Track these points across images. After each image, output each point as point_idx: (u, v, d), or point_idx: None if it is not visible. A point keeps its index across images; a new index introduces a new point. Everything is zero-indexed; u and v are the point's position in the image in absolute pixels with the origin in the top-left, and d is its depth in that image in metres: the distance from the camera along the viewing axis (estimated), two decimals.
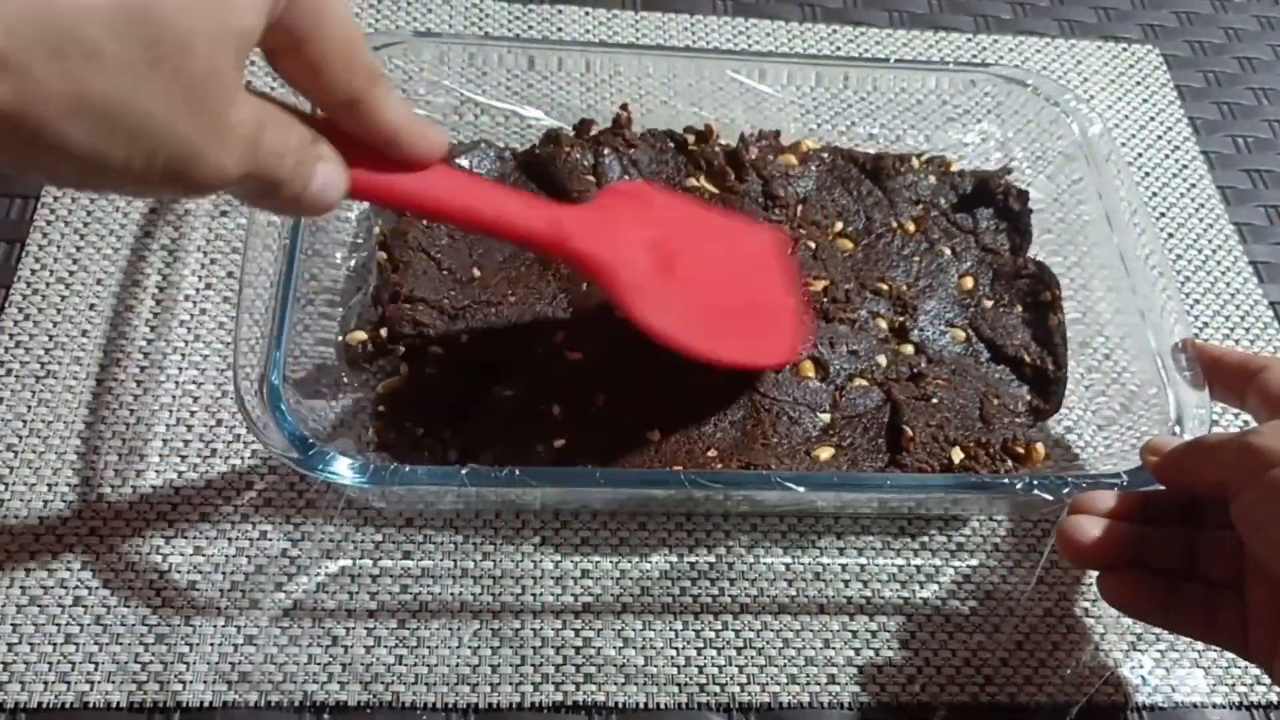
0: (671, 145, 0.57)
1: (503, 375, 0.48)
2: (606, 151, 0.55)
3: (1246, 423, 0.52)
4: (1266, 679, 0.47)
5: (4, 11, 0.23)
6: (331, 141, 0.33)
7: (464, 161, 0.54)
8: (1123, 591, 0.42)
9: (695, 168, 0.56)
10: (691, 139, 0.57)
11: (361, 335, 0.48)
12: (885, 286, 0.53)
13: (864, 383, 0.50)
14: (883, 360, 0.51)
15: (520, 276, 0.51)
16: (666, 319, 0.43)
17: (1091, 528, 0.42)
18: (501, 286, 0.51)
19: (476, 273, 0.51)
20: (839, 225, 0.56)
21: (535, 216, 0.40)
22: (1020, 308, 0.54)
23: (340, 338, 0.48)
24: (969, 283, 0.55)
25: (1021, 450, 0.49)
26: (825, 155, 0.58)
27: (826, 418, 0.49)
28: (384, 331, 0.48)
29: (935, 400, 0.49)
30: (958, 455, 0.48)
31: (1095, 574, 0.44)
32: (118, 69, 0.25)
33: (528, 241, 0.42)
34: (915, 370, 0.51)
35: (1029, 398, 0.52)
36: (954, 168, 0.59)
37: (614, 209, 0.45)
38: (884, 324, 0.52)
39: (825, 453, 0.47)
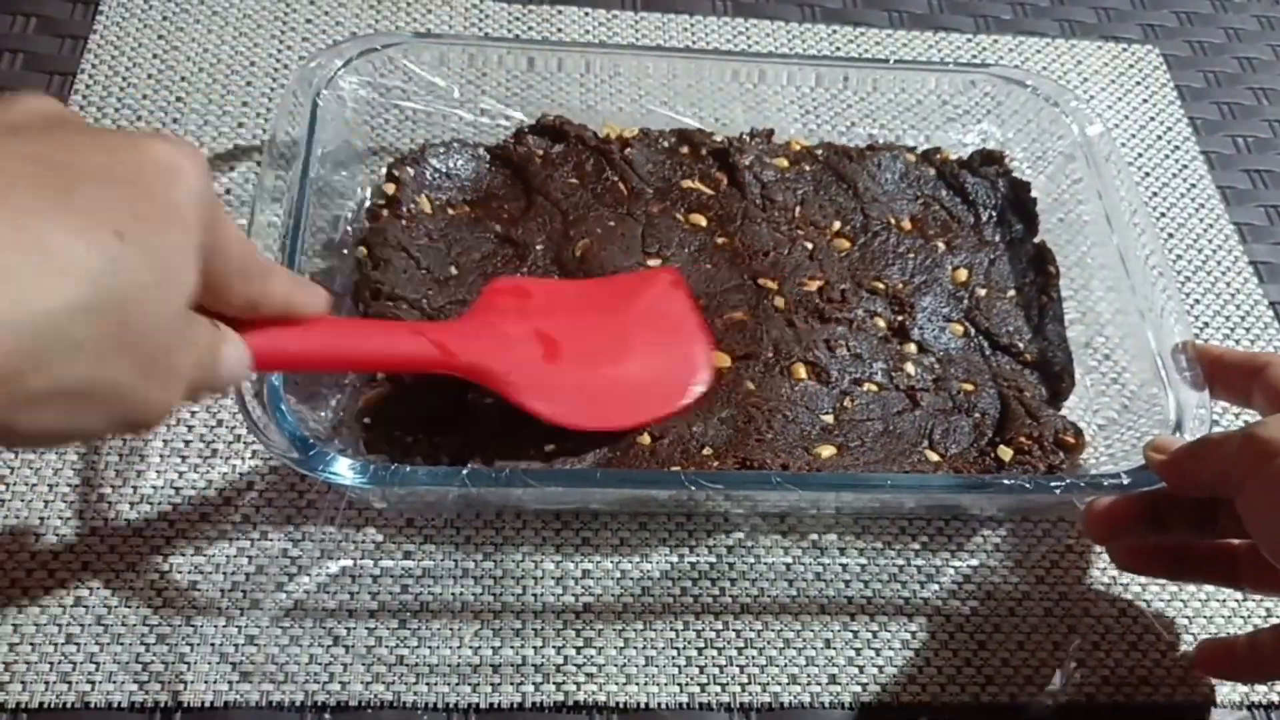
0: (666, 145, 0.57)
1: None
2: (589, 155, 0.55)
3: (1249, 422, 0.52)
4: None
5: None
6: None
7: (435, 161, 0.54)
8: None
9: (691, 169, 0.56)
10: (685, 147, 0.57)
11: None
12: (882, 285, 0.53)
13: (874, 387, 0.50)
14: (887, 363, 0.51)
15: (497, 273, 0.51)
16: (561, 404, 0.44)
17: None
18: (478, 285, 0.50)
19: (454, 271, 0.51)
20: (836, 224, 0.56)
21: (422, 345, 0.42)
22: (1013, 291, 0.54)
23: None
24: (963, 275, 0.55)
25: (1071, 440, 0.49)
26: (819, 152, 0.58)
27: (830, 419, 0.49)
28: None
29: (967, 405, 0.50)
30: (1006, 454, 0.48)
31: (1103, 564, 0.45)
32: (93, 356, 0.26)
33: (420, 369, 0.43)
34: (936, 376, 0.51)
35: (1039, 385, 0.52)
36: (951, 157, 0.59)
37: (492, 310, 0.46)
38: (882, 323, 0.52)
39: (826, 450, 0.47)
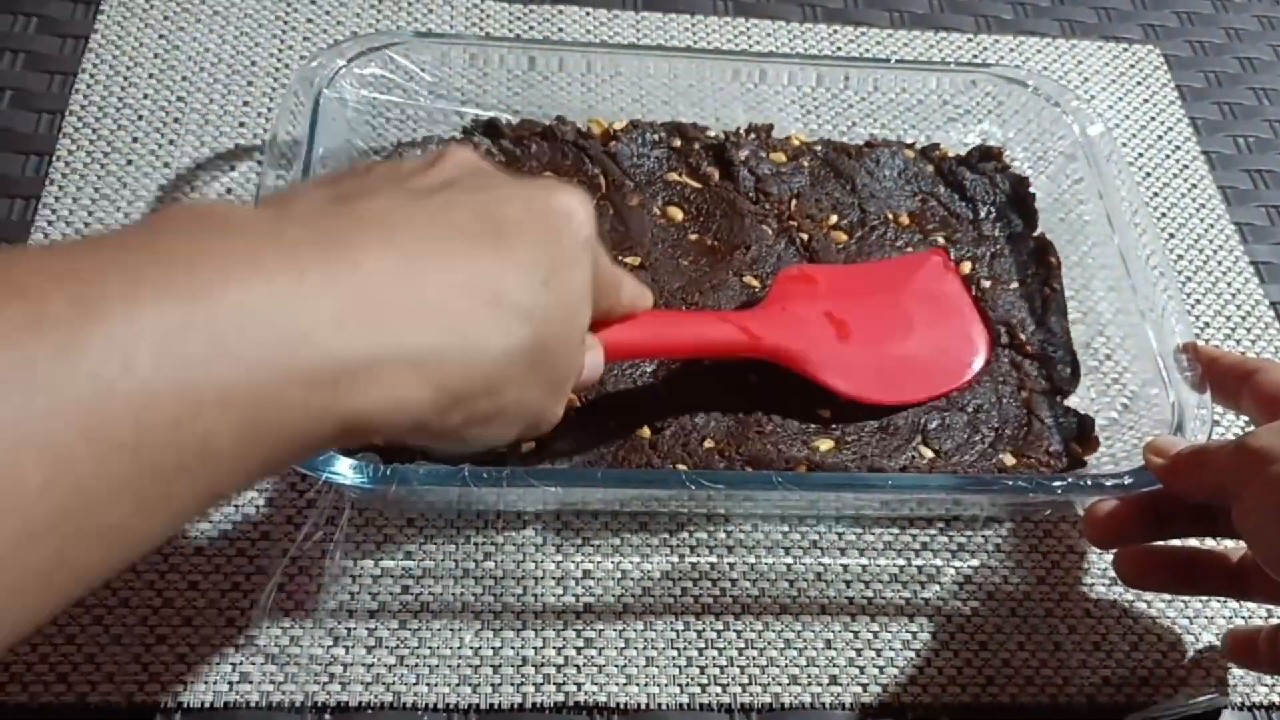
0: (656, 138, 0.56)
1: None
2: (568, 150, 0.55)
3: (1246, 425, 0.52)
4: (1268, 680, 0.47)
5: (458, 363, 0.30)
6: None
7: (419, 154, 0.54)
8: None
9: (679, 162, 0.56)
10: (678, 140, 0.56)
11: None
12: None
13: None
14: None
15: None
16: (856, 380, 0.48)
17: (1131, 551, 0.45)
18: None
19: None
20: (833, 218, 0.55)
21: (731, 331, 0.46)
22: (1016, 283, 0.54)
23: None
24: (966, 268, 0.55)
25: (1078, 449, 0.49)
26: (818, 149, 0.58)
27: (828, 414, 0.49)
28: None
29: (962, 401, 0.50)
30: (1009, 460, 0.48)
31: (1104, 565, 0.44)
32: (522, 384, 0.32)
33: (731, 353, 0.47)
34: None
35: (1043, 381, 0.52)
36: (949, 154, 0.59)
37: (785, 297, 0.50)
38: None
39: (824, 444, 0.47)
